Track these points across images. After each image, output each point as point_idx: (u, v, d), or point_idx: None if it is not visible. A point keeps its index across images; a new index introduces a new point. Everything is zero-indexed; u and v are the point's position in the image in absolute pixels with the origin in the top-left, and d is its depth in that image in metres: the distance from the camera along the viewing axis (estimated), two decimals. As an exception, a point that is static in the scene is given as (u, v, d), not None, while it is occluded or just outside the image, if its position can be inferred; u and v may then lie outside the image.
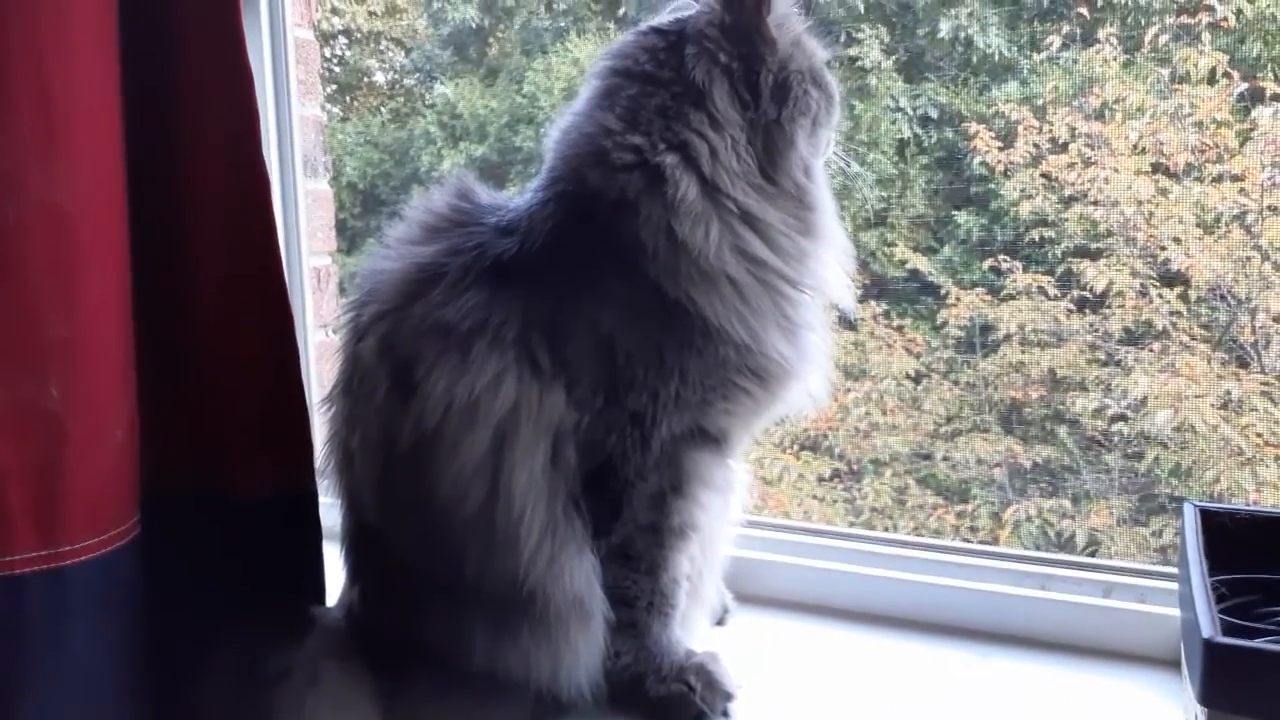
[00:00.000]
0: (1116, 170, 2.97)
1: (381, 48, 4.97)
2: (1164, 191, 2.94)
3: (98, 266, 0.88)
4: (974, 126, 3.24)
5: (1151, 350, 2.90)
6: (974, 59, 3.61)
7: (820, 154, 1.02)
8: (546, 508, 0.92)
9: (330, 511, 1.07)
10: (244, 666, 0.92)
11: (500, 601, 0.92)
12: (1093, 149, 3.04)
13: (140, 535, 0.93)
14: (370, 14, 4.79)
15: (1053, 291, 3.09)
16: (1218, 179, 2.86)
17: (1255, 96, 2.84)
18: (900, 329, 3.35)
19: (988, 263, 3.24)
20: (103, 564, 0.88)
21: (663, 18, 1.00)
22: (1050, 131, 3.10)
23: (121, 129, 0.90)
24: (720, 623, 1.16)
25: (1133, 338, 2.97)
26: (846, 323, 1.08)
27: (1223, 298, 2.87)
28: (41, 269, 0.84)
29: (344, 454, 1.00)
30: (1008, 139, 3.22)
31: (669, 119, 0.94)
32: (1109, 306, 2.99)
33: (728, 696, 0.99)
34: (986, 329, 3.21)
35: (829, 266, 1.00)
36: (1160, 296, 2.91)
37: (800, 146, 0.97)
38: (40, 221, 0.84)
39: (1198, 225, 2.88)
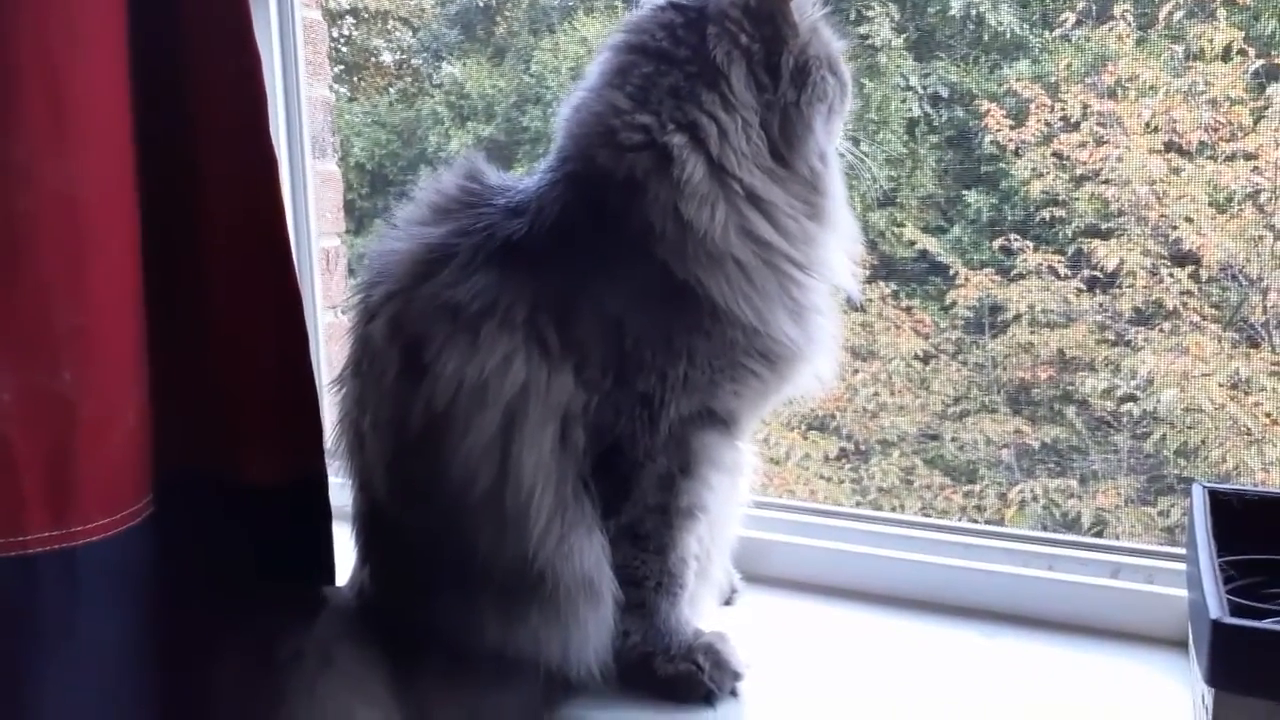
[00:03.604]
0: (1129, 149, 2.95)
1: (389, 27, 4.94)
2: (1176, 170, 2.92)
3: (108, 252, 0.88)
4: (985, 105, 3.22)
5: (1161, 330, 2.89)
6: (985, 36, 3.58)
7: (834, 141, 1.02)
8: (556, 488, 0.92)
9: (340, 492, 1.07)
10: (255, 647, 0.93)
11: (510, 581, 0.93)
12: (1105, 127, 3.01)
13: (152, 516, 0.94)
14: (377, -8, 4.77)
15: (1063, 271, 3.08)
16: (1231, 157, 2.83)
17: (1270, 74, 2.81)
18: (909, 309, 3.34)
19: (998, 242, 3.23)
20: (114, 544, 0.89)
21: None
22: (1062, 110, 3.08)
23: (131, 115, 0.90)
24: (728, 603, 1.17)
25: (1143, 317, 2.96)
26: (854, 304, 1.08)
27: (1234, 277, 2.85)
28: (53, 256, 0.84)
29: (355, 435, 1.01)
30: (1019, 117, 3.19)
31: (680, 99, 0.93)
32: (1119, 286, 2.97)
33: (736, 676, 1.00)
34: (996, 309, 3.20)
35: (835, 252, 1.00)
36: (1171, 276, 2.89)
37: (817, 131, 0.97)
38: (52, 209, 0.84)
39: (1210, 204, 2.86)
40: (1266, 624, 0.84)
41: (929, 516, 2.90)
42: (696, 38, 0.95)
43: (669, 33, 0.96)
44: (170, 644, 0.94)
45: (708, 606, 1.08)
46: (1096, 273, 2.99)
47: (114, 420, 0.89)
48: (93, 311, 0.87)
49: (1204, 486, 1.05)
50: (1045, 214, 3.14)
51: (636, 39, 0.97)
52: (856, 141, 1.13)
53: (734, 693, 0.99)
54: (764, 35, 0.95)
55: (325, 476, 1.08)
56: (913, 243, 3.33)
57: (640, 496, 0.96)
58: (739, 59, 0.94)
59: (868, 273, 3.13)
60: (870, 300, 3.23)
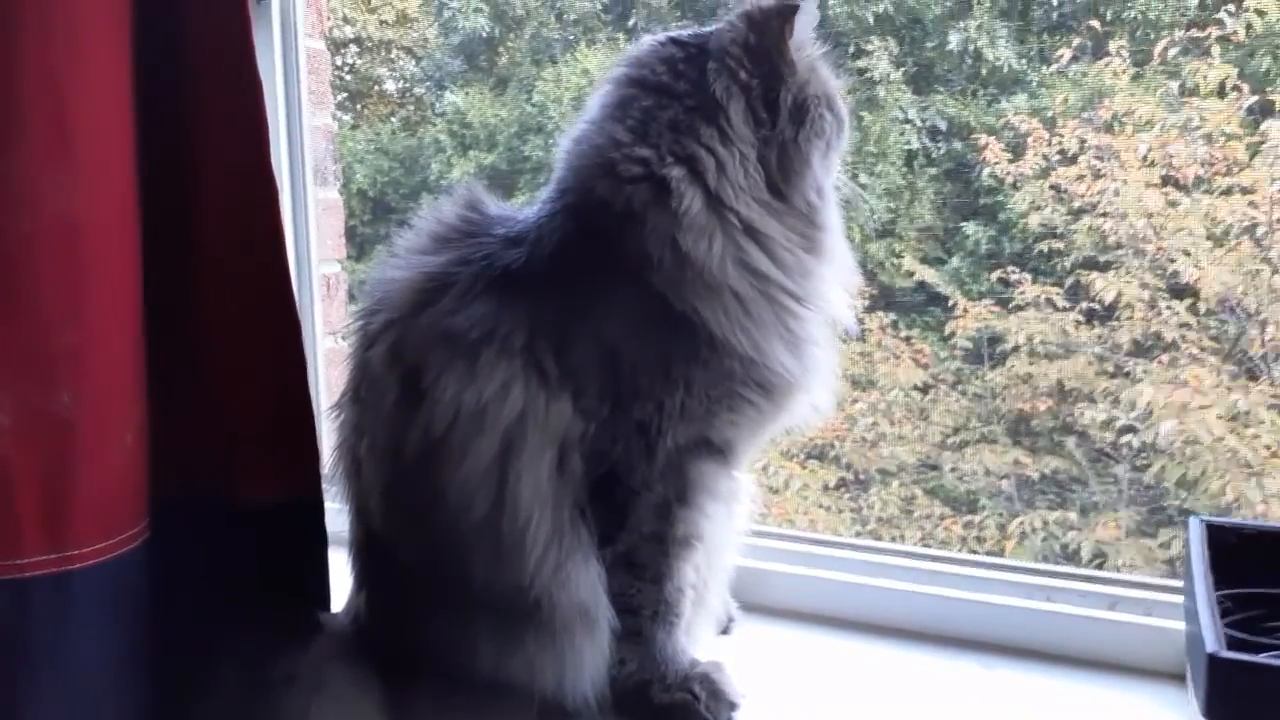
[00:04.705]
0: (1126, 182, 2.98)
1: (392, 56, 4.99)
2: (1173, 204, 2.94)
3: (108, 275, 0.89)
4: (983, 138, 3.25)
5: (1160, 362, 2.89)
6: (983, 71, 3.62)
7: (831, 176, 1.03)
8: (552, 515, 0.92)
9: (337, 518, 1.07)
10: (250, 672, 0.93)
11: (506, 608, 0.93)
12: (1102, 161, 3.04)
13: (148, 540, 0.93)
14: (381, 23, 4.82)
15: (1061, 303, 3.09)
16: (1227, 191, 2.86)
17: (1265, 109, 2.84)
18: (908, 340, 3.35)
19: (996, 274, 3.24)
20: (110, 568, 0.89)
21: (683, 31, 1.01)
22: (1060, 143, 3.10)
23: (133, 140, 0.91)
24: (725, 632, 1.17)
25: (1141, 349, 2.97)
26: (850, 336, 1.09)
27: (1232, 310, 2.86)
28: (54, 278, 0.85)
29: (352, 461, 1.01)
30: (1017, 151, 3.22)
31: (679, 132, 0.94)
32: (1118, 318, 2.99)
33: (732, 706, 0.99)
34: (994, 340, 3.21)
35: (831, 285, 1.01)
36: (1169, 308, 2.91)
37: (815, 167, 0.98)
38: (53, 232, 0.85)
39: (1207, 238, 2.88)
40: (1263, 658, 0.84)
41: (929, 547, 2.89)
42: (696, 73, 0.96)
43: (669, 67, 0.97)
44: (164, 668, 0.94)
45: (704, 636, 1.08)
46: (1095, 305, 3.01)
47: (112, 442, 0.89)
48: (91, 333, 0.87)
49: (1201, 520, 1.06)
50: (1043, 246, 3.16)
51: (637, 73, 0.98)
52: (854, 175, 1.14)
53: (730, 723, 0.99)
54: (763, 72, 0.96)
55: (322, 502, 1.08)
56: (911, 273, 3.35)
57: (636, 525, 0.96)
58: (738, 94, 0.96)
59: (867, 303, 3.14)
60: (869, 330, 3.25)
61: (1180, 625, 1.05)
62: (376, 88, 4.96)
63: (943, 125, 3.56)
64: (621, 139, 0.94)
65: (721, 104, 0.95)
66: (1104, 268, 3.02)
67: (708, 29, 1.00)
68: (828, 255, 1.00)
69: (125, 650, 0.91)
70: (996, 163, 3.18)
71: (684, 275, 0.92)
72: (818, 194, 0.99)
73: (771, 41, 0.96)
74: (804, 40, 0.99)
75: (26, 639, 0.85)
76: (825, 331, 1.01)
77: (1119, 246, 3.01)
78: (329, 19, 1.56)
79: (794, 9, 0.96)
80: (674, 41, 0.99)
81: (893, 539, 3.00)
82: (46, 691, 0.86)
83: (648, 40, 1.01)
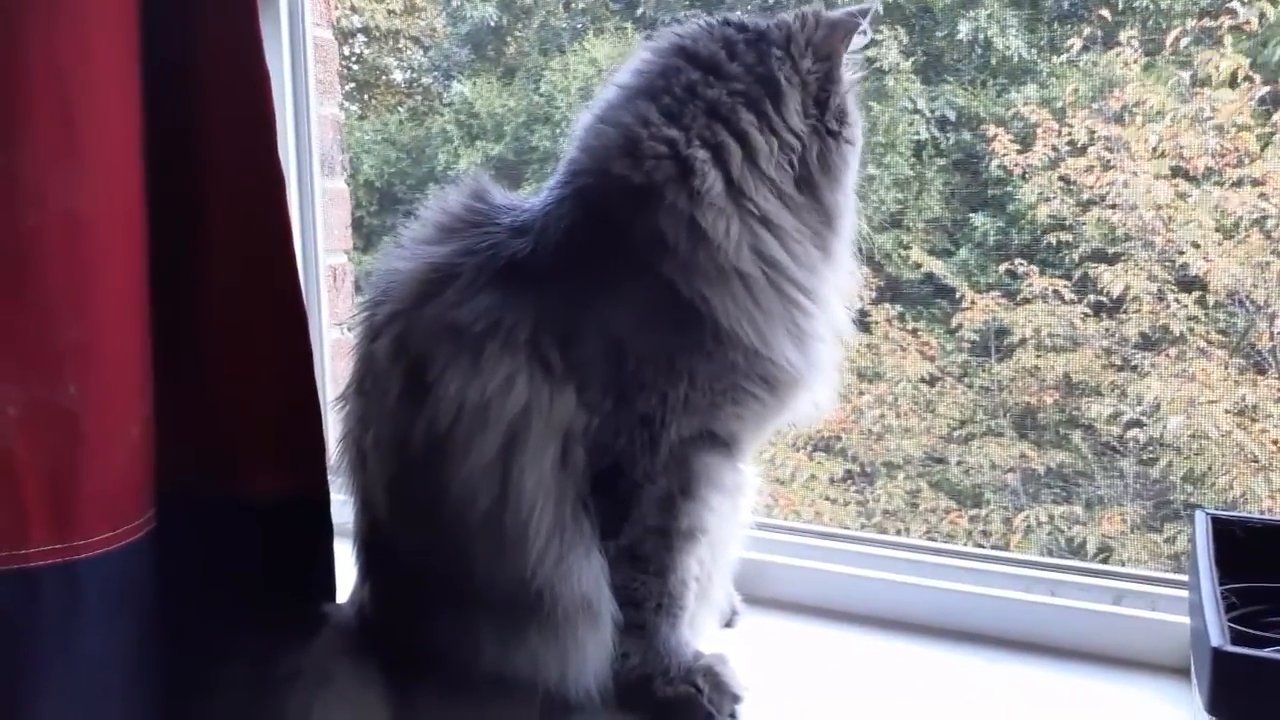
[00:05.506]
0: (1135, 174, 2.96)
1: (400, 46, 4.98)
2: (1183, 195, 2.92)
3: (115, 268, 0.89)
4: (992, 129, 3.23)
5: (1168, 355, 2.88)
6: (993, 61, 3.59)
7: (852, 187, 1.03)
8: (555, 508, 0.92)
9: (342, 510, 1.07)
10: (255, 665, 0.93)
11: (509, 601, 0.93)
12: (1112, 152, 3.02)
13: (154, 531, 0.94)
14: (389, 12, 4.81)
15: (1069, 296, 3.07)
16: (1238, 183, 2.84)
17: (1276, 100, 2.82)
18: (915, 332, 3.34)
19: (1004, 266, 3.23)
20: (116, 559, 0.89)
21: (740, 17, 1.01)
22: (1069, 134, 3.08)
23: (140, 133, 0.91)
24: (729, 625, 1.17)
25: (1149, 343, 2.96)
26: (861, 325, 1.09)
27: (1241, 303, 2.85)
28: (60, 272, 0.85)
29: (357, 453, 1.01)
30: (1026, 141, 3.20)
31: (714, 117, 0.94)
32: (1125, 311, 2.97)
33: (735, 699, 0.99)
34: (1002, 333, 3.20)
35: (833, 290, 1.01)
36: (1178, 301, 2.89)
37: (852, 169, 1.00)
38: (60, 226, 0.85)
39: (1217, 230, 2.87)
40: (1268, 653, 0.84)
41: (934, 540, 2.89)
42: (754, 57, 0.96)
43: (725, 46, 0.97)
44: (170, 660, 0.94)
45: (708, 628, 1.08)
46: (1103, 298, 2.99)
47: (117, 434, 0.90)
48: (98, 325, 0.87)
49: (1207, 514, 1.05)
50: (1051, 238, 3.14)
51: (690, 45, 0.97)
52: (863, 165, 1.13)
53: (733, 716, 0.99)
54: (821, 71, 0.97)
55: (327, 493, 1.09)
56: (919, 265, 3.34)
57: (640, 518, 0.96)
58: (797, 84, 0.96)
59: (874, 294, 3.13)
60: (876, 322, 3.23)
61: (1185, 620, 1.04)
62: (384, 78, 4.95)
63: (952, 115, 3.54)
64: (651, 119, 0.94)
65: (781, 89, 0.95)
66: (1112, 260, 3.00)
67: (767, 21, 1.00)
68: (835, 260, 1.00)
69: (131, 642, 0.92)
70: (1005, 154, 3.16)
71: (696, 258, 0.91)
72: (845, 197, 1.00)
73: (833, 46, 0.98)
74: (852, 60, 1.01)
75: (33, 629, 0.85)
76: (830, 328, 1.01)
77: (1127, 239, 2.99)
78: (336, 8, 1.56)
79: (857, 23, 0.97)
80: (732, 24, 0.99)
81: (898, 532, 3.00)
82: (54, 682, 0.87)
83: (701, 20, 1.00)
